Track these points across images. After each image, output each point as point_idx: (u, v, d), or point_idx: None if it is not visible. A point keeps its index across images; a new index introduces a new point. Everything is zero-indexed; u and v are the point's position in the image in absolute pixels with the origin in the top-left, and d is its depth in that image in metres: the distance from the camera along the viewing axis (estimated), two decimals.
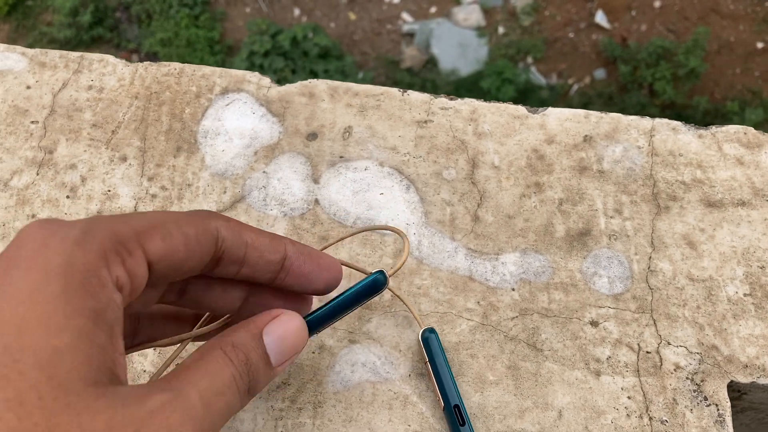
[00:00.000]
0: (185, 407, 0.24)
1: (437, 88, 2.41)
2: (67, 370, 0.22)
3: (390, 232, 0.45)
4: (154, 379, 0.30)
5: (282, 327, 0.30)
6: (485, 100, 0.48)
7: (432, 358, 0.40)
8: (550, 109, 0.48)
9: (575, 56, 2.60)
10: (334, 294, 0.35)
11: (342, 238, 0.42)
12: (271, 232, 0.31)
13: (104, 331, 0.23)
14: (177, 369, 0.26)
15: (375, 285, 0.34)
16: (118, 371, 0.23)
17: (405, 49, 2.54)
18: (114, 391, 0.23)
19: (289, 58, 2.26)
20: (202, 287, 0.31)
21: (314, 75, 2.27)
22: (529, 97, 2.43)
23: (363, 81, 2.41)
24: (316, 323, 0.34)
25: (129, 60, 0.50)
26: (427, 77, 2.46)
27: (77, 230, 0.24)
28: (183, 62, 0.50)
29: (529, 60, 2.56)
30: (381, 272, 0.34)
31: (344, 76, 2.32)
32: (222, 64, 2.20)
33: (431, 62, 2.50)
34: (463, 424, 0.38)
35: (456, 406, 0.38)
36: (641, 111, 2.41)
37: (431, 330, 0.40)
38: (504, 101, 0.48)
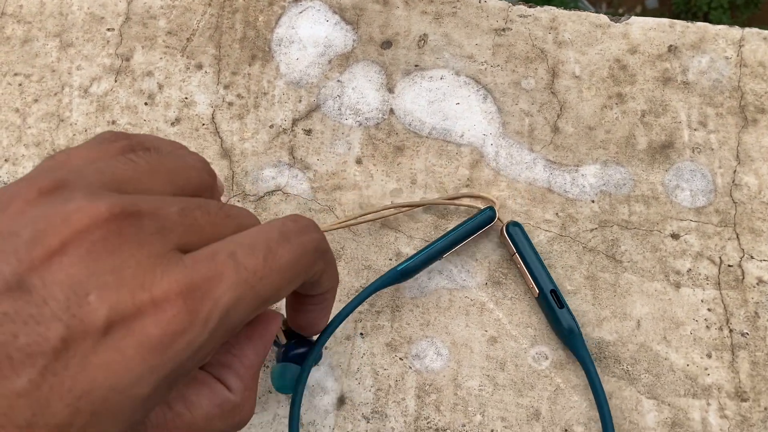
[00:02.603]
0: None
1: None
2: None
3: (466, 143, 0.44)
4: None
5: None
6: (566, 8, 0.47)
7: (519, 249, 0.40)
8: (633, 17, 0.47)
9: None
10: (451, 226, 0.42)
11: (411, 207, 0.42)
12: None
13: None
14: None
15: (488, 219, 0.40)
16: None
17: None
18: None
19: None
20: None
21: None
22: None
23: None
24: (437, 253, 0.40)
25: None
26: None
27: None
28: None
29: None
30: (491, 208, 0.41)
31: None
32: None
33: None
34: (562, 308, 0.38)
35: (552, 290, 0.39)
36: None
37: (515, 223, 0.40)
38: None
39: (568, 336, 0.38)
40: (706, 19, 2.38)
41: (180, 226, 0.21)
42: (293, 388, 0.36)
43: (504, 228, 0.40)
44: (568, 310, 0.38)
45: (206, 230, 0.22)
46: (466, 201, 0.42)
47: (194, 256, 0.21)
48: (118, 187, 0.21)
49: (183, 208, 0.22)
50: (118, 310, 0.18)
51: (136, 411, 0.19)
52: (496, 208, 0.41)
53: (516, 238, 0.40)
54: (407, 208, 0.42)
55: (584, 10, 0.48)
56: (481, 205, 0.42)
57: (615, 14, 0.47)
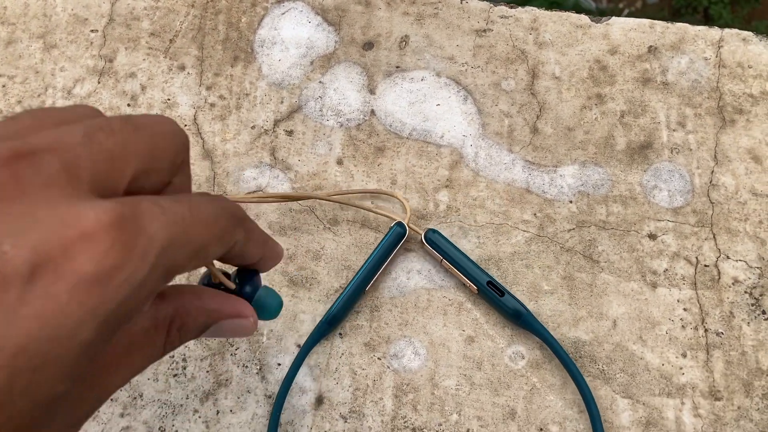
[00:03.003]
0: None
1: None
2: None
3: (446, 144, 0.44)
4: None
5: (234, 328, 0.27)
6: (546, 9, 0.47)
7: (445, 253, 0.40)
8: (614, 18, 0.47)
9: None
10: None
11: (339, 199, 0.42)
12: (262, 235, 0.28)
13: None
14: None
15: (399, 236, 0.40)
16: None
17: None
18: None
19: None
20: None
21: None
22: None
23: None
24: (359, 289, 0.39)
25: None
26: None
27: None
28: None
29: None
30: (399, 223, 0.41)
31: None
32: None
33: None
34: (503, 295, 0.39)
35: (489, 282, 0.39)
36: None
37: (433, 230, 0.41)
38: None
39: (519, 318, 0.39)
40: (706, 14, 2.37)
41: (86, 158, 0.19)
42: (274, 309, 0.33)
43: (423, 238, 0.41)
44: (510, 294, 0.39)
45: (116, 153, 0.20)
46: (375, 206, 0.43)
47: (116, 199, 0.19)
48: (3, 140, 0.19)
49: (84, 133, 0.19)
50: (41, 252, 0.16)
51: (81, 358, 0.17)
52: (407, 212, 0.42)
53: (438, 244, 0.40)
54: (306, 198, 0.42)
55: (584, 5, 0.48)
56: (392, 207, 0.42)
57: (615, 9, 0.47)
